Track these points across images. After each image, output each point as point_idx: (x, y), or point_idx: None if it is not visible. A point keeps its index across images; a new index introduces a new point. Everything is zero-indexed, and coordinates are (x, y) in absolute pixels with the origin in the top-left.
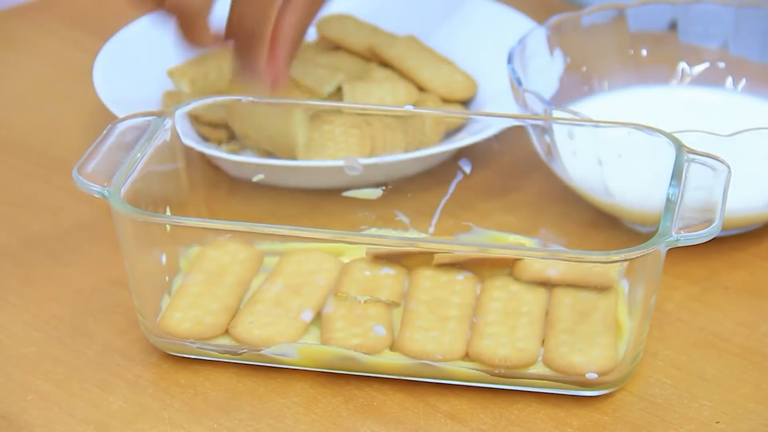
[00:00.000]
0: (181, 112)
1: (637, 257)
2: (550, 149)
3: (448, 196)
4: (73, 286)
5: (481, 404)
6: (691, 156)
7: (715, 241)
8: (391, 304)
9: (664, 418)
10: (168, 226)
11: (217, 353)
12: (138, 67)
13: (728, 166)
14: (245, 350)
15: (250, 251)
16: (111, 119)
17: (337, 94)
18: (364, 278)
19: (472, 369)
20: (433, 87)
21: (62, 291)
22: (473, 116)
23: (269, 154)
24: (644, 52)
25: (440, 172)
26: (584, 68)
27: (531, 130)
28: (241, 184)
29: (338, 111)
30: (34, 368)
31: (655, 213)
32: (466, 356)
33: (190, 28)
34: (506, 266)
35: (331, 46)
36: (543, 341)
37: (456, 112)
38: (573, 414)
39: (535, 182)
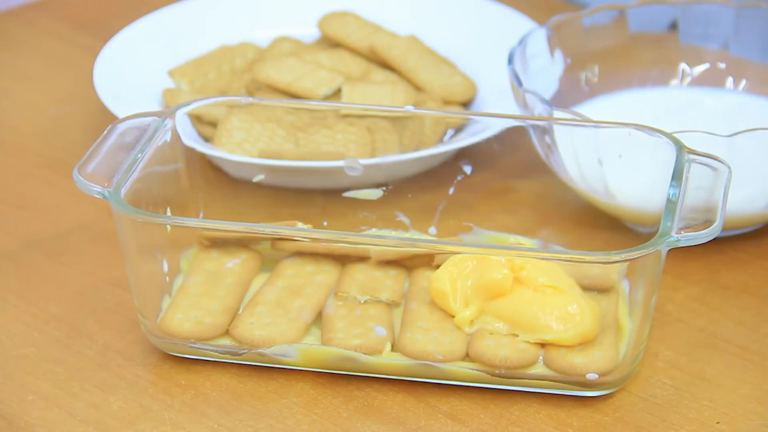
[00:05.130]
0: (181, 112)
1: (637, 257)
2: (551, 149)
3: (448, 197)
4: (73, 286)
5: (481, 404)
6: (692, 156)
7: (715, 242)
8: (392, 305)
9: (664, 418)
10: (168, 227)
11: (217, 354)
12: (138, 67)
13: (728, 167)
14: (246, 351)
15: (251, 252)
16: (111, 119)
17: (337, 95)
18: (365, 278)
19: (473, 369)
20: (432, 89)
21: (62, 291)
22: (473, 117)
23: None
24: (644, 52)
25: (440, 172)
26: (584, 68)
27: (531, 131)
28: (241, 184)
29: (338, 112)
30: (34, 369)
31: (656, 213)
32: (467, 356)
33: None
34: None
35: (332, 43)
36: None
37: (456, 113)
38: (573, 414)
39: (535, 182)
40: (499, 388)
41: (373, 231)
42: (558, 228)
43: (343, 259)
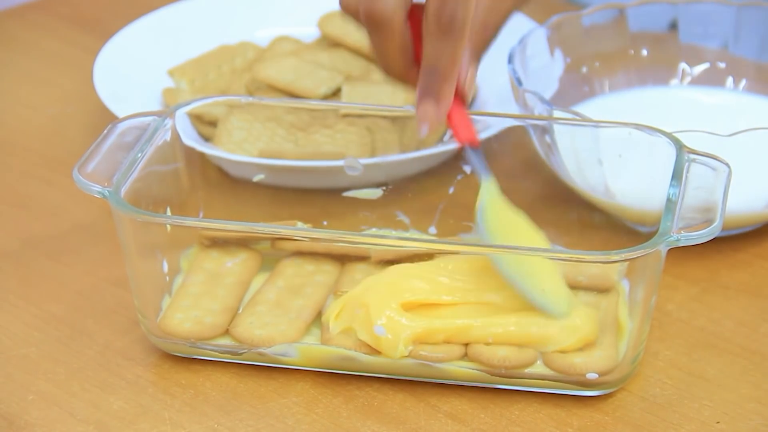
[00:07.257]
0: (181, 112)
1: (637, 257)
2: (551, 149)
3: (448, 197)
4: (73, 286)
5: (481, 404)
6: (692, 156)
7: (715, 241)
8: None
9: (664, 418)
10: (168, 226)
11: (217, 353)
12: (138, 67)
13: (728, 166)
14: (246, 350)
15: (251, 251)
16: (111, 119)
17: (336, 95)
18: (365, 278)
19: (473, 369)
20: None
21: (62, 291)
22: (473, 116)
23: None
24: (644, 52)
25: (440, 172)
26: (584, 68)
27: (531, 130)
28: (241, 184)
29: (338, 112)
30: (34, 368)
31: (656, 213)
32: (466, 356)
33: (385, 44)
34: None
35: (332, 43)
36: None
37: None
38: (573, 414)
39: (535, 182)
40: (499, 388)
41: (373, 231)
42: (558, 228)
43: (342, 259)
